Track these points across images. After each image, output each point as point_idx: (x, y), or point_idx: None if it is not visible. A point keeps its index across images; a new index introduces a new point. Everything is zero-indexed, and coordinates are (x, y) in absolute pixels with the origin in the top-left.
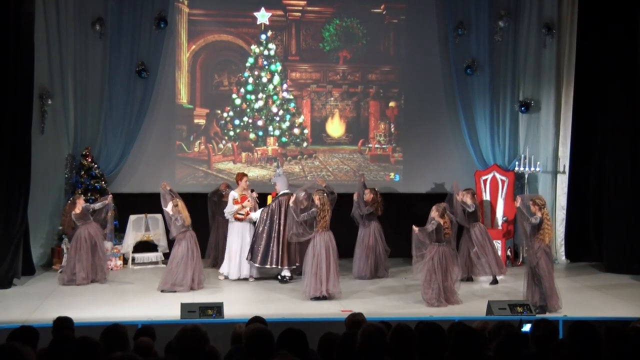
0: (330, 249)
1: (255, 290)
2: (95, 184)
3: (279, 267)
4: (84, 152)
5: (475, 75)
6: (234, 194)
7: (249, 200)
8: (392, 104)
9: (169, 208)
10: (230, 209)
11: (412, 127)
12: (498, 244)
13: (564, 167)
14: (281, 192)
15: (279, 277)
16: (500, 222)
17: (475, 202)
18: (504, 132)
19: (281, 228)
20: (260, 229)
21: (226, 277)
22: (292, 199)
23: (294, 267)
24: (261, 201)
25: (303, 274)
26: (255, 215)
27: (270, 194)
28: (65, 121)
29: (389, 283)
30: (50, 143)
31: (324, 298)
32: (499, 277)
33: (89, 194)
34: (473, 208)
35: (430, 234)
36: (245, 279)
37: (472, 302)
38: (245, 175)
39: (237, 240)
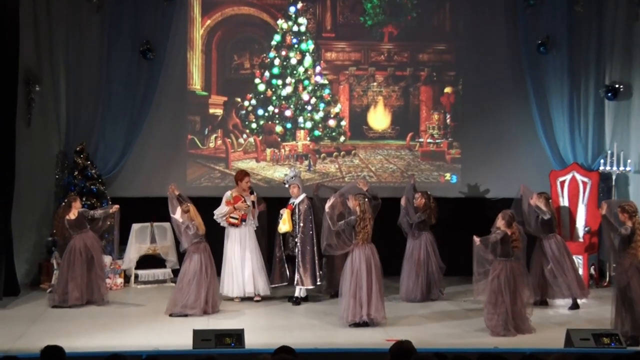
0: (372, 265)
1: (282, 314)
2: (91, 187)
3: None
4: (77, 149)
5: (551, 54)
6: (227, 194)
7: (243, 202)
8: (447, 89)
9: (177, 215)
10: (219, 211)
11: (472, 118)
12: (579, 260)
13: None
14: (302, 197)
15: (295, 297)
16: (581, 233)
17: (550, 209)
18: (586, 123)
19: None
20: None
21: (230, 298)
22: (329, 203)
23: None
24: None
25: (340, 295)
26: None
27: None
28: (56, 111)
29: (444, 307)
30: (38, 137)
31: (365, 324)
32: (580, 301)
33: (83, 199)
34: (548, 216)
35: (495, 246)
36: (250, 298)
37: (546, 330)
38: (248, 174)
39: (236, 250)
